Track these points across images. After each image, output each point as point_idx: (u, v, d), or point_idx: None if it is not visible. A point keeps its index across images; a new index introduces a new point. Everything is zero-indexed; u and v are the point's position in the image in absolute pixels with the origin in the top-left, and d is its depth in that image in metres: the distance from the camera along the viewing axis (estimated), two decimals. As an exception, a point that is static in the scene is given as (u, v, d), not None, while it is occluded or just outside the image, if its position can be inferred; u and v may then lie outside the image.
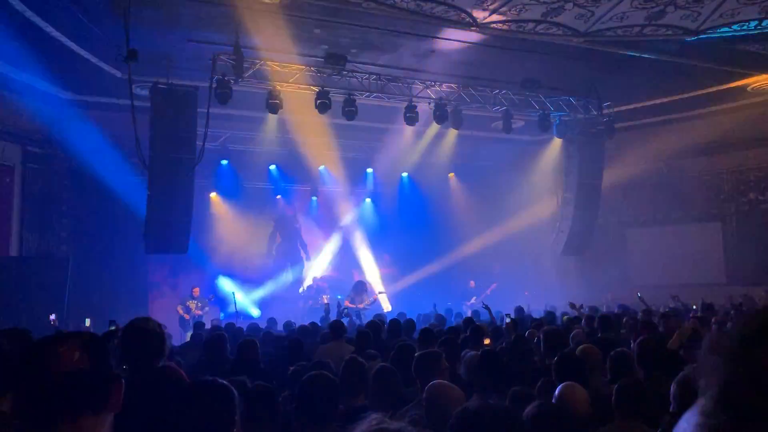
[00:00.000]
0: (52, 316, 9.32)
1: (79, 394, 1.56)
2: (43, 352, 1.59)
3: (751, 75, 12.86)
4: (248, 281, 16.49)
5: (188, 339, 10.05)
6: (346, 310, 10.72)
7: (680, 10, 10.00)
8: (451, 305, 13.80)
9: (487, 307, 9.38)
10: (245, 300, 15.58)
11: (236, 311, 12.95)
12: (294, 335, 7.47)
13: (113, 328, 5.72)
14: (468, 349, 5.07)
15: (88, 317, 9.00)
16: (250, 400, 2.77)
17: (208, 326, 10.37)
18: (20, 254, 12.77)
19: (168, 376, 2.92)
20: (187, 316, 13.31)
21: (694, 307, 10.63)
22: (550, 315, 9.96)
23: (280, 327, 10.41)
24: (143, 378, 2.85)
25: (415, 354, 5.34)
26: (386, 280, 17.58)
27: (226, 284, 15.51)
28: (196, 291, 14.05)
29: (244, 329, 9.09)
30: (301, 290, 16.98)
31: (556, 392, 3.59)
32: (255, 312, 15.48)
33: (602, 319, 7.46)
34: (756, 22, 10.43)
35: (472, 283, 16.55)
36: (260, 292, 16.51)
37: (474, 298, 15.75)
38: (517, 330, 7.25)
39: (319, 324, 9.82)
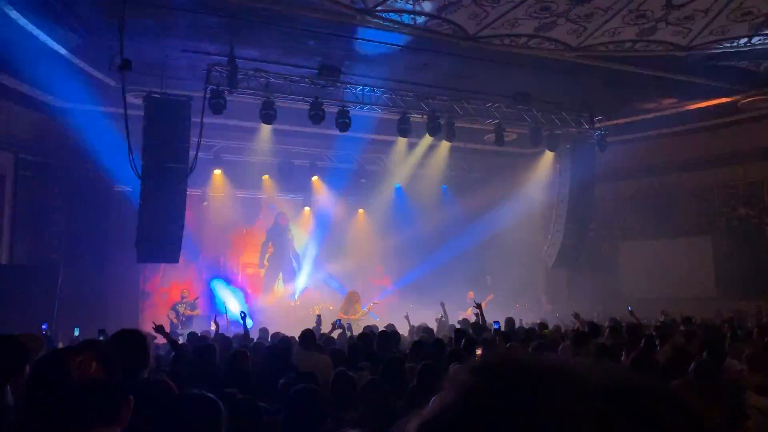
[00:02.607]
0: (44, 326, 9.25)
1: (94, 405, 1.58)
2: (61, 361, 1.60)
3: (741, 91, 12.99)
4: (240, 291, 16.45)
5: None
6: (338, 322, 10.69)
7: (671, 26, 10.11)
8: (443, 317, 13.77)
9: (478, 306, 9.33)
10: (237, 310, 15.50)
11: (228, 320, 12.89)
12: (280, 346, 7.42)
13: (102, 338, 5.70)
14: (456, 363, 5.06)
15: (77, 326, 8.94)
16: (232, 412, 2.77)
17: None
18: (11, 262, 12.70)
19: (155, 389, 2.91)
20: (176, 320, 13.26)
21: (692, 320, 10.62)
22: (542, 326, 9.96)
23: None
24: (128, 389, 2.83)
25: (406, 365, 5.36)
26: (379, 291, 17.55)
27: (220, 289, 15.50)
28: (186, 292, 14.06)
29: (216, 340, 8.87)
30: (293, 303, 16.93)
31: None
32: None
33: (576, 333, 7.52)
34: (746, 39, 10.56)
35: (471, 293, 16.49)
36: (252, 303, 16.44)
37: (470, 309, 15.72)
38: (506, 342, 7.26)
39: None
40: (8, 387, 2.81)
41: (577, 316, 9.95)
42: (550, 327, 10.30)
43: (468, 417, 0.56)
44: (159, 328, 6.51)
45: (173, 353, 5.97)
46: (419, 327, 10.78)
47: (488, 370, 0.60)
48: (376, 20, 9.50)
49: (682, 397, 0.56)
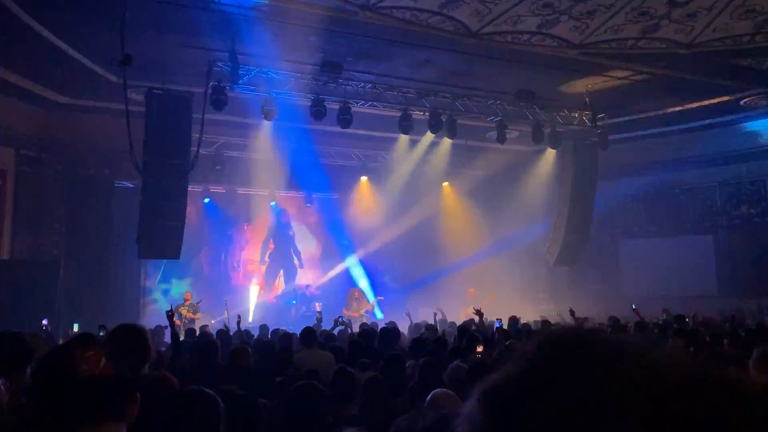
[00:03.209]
0: (44, 321, 9.26)
1: (103, 401, 1.56)
2: (69, 356, 1.59)
3: (743, 89, 12.95)
4: (241, 288, 16.47)
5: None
6: (340, 319, 10.69)
7: (674, 23, 10.08)
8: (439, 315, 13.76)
9: (478, 312, 9.32)
10: (238, 307, 15.52)
11: (228, 318, 12.91)
12: (281, 343, 7.41)
13: (102, 333, 5.70)
14: (457, 360, 5.05)
15: (77, 322, 8.94)
16: (230, 409, 2.77)
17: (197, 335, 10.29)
18: (12, 257, 12.70)
19: (155, 384, 2.90)
20: (179, 322, 13.30)
21: (686, 320, 10.62)
22: (545, 324, 9.93)
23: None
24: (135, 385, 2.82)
25: (407, 363, 5.35)
26: (380, 288, 17.55)
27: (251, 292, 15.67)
28: (188, 295, 14.12)
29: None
30: (293, 300, 16.93)
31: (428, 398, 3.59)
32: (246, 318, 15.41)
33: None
34: (748, 37, 10.52)
35: (471, 291, 16.48)
36: (253, 300, 16.46)
37: (471, 307, 15.70)
38: (507, 340, 7.26)
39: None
40: (1, 385, 2.79)
41: (572, 313, 9.92)
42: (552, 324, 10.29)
43: (535, 387, 0.56)
44: (170, 315, 6.45)
45: (173, 349, 5.94)
46: (419, 324, 10.78)
47: (559, 343, 0.60)
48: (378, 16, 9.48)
49: (756, 390, 0.55)
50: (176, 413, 2.25)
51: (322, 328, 10.06)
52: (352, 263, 17.74)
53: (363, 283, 17.52)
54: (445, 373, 4.56)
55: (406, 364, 5.32)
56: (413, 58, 11.50)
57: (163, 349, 7.55)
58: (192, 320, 13.31)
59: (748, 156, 15.14)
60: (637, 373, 0.54)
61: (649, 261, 16.52)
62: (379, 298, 16.08)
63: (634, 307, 10.63)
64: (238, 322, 9.33)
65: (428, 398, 3.50)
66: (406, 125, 12.72)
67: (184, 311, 13.65)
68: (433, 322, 11.19)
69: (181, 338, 10.02)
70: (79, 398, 1.53)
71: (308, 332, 6.90)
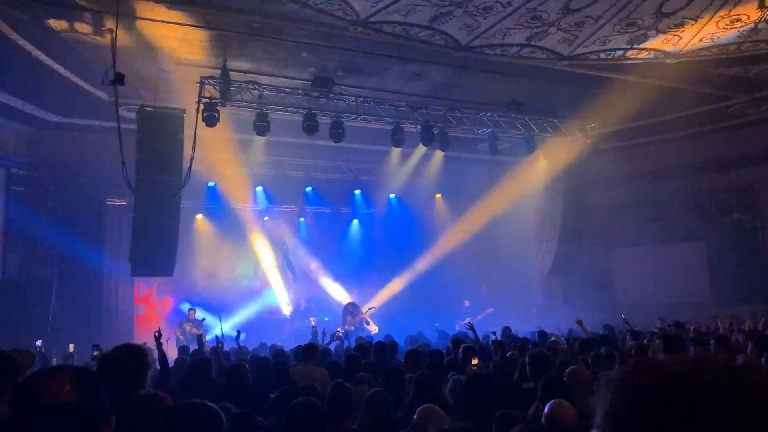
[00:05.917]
0: (38, 342, 9.17)
1: (67, 428, 1.55)
2: (32, 385, 1.58)
3: (731, 97, 13.08)
4: (235, 304, 16.39)
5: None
6: (337, 333, 10.67)
7: (661, 34, 10.19)
8: (438, 325, 13.76)
9: (471, 327, 9.34)
10: (232, 323, 15.44)
11: (222, 334, 12.84)
12: (276, 359, 7.38)
13: (96, 353, 5.66)
14: (454, 372, 5.04)
15: (72, 342, 8.86)
16: (230, 427, 2.76)
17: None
18: (3, 277, 12.61)
19: (151, 405, 2.87)
20: (182, 338, 13.32)
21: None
22: (541, 336, 9.91)
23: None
24: (122, 407, 2.79)
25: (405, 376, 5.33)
26: (375, 301, 17.51)
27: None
28: (192, 313, 14.08)
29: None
30: (288, 313, 16.85)
31: (546, 410, 3.59)
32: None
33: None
34: (735, 47, 10.65)
35: (467, 302, 16.46)
36: (247, 315, 16.37)
37: (468, 318, 15.68)
38: (503, 350, 7.27)
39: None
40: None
41: (579, 323, 9.90)
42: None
43: None
44: (158, 336, 6.39)
45: (161, 370, 5.89)
46: (413, 336, 10.76)
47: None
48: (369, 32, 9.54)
49: None
50: (179, 426, 2.25)
51: (318, 343, 10.02)
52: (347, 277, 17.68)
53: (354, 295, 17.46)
54: (447, 385, 4.56)
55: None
56: (404, 72, 11.56)
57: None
58: (194, 336, 13.26)
59: (737, 163, 15.26)
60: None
61: (642, 269, 16.57)
62: (371, 309, 16.03)
63: (623, 317, 10.69)
64: (237, 338, 9.29)
65: (415, 416, 3.50)
66: (398, 138, 12.76)
67: (188, 327, 13.66)
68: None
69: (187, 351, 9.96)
70: (43, 426, 1.52)
71: (310, 347, 6.90)
